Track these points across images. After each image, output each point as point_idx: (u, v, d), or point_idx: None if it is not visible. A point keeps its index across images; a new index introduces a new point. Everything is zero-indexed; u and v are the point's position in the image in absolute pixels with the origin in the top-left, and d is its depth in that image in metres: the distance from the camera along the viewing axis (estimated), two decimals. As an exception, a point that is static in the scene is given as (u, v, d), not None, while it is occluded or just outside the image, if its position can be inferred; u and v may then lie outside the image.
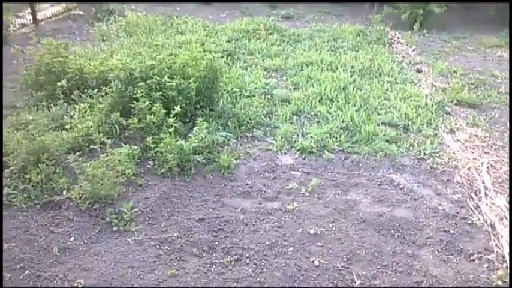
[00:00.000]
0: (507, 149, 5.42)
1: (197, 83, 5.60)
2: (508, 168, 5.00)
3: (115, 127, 5.38)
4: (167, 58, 5.97)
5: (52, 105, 5.84)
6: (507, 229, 4.00)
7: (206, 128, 5.32)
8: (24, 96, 6.36)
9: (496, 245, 3.84)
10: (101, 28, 9.48)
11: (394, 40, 10.11)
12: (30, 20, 10.03)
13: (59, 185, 4.32)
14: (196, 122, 5.14)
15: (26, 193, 4.30)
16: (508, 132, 5.83)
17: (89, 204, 4.16)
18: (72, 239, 3.83)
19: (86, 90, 5.83)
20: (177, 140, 4.79)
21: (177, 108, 5.14)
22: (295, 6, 13.21)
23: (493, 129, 5.95)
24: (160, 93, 5.40)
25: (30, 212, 4.14)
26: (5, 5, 8.72)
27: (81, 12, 11.26)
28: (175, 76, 5.58)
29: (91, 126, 5.04)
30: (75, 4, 11.22)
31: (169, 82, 5.44)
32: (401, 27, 11.08)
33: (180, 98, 5.47)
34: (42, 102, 6.01)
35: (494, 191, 4.56)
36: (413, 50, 9.36)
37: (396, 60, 8.51)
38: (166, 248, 3.77)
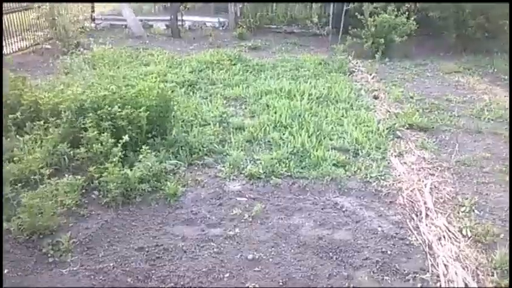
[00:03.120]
0: (452, 170, 5.54)
1: (148, 112, 5.64)
2: (451, 188, 5.09)
3: (64, 158, 5.37)
4: (121, 88, 6.02)
5: (4, 137, 5.81)
6: (444, 248, 4.05)
7: (156, 156, 5.37)
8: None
9: (432, 264, 3.87)
10: (65, 61, 9.55)
11: (355, 69, 10.37)
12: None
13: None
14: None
15: (-37, 227, 4.22)
16: (454, 154, 5.95)
17: (27, 235, 4.11)
18: (6, 271, 3.76)
19: (39, 122, 5.82)
20: (121, 170, 4.79)
21: (125, 137, 5.18)
22: (264, 37, 13.52)
23: (441, 151, 6.08)
24: (110, 123, 5.42)
25: (-34, 245, 4.05)
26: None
27: (48, 46, 11.36)
28: (127, 106, 5.62)
29: (38, 158, 5.05)
30: (42, 39, 11.27)
31: (119, 112, 5.47)
32: (364, 56, 11.40)
33: (130, 127, 5.49)
34: (-5, 134, 5.99)
35: (435, 211, 4.62)
36: (373, 78, 9.60)
37: (355, 88, 8.72)
38: (100, 278, 3.72)
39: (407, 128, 6.79)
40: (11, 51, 10.59)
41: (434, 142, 6.32)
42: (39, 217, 4.15)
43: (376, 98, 8.30)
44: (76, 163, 5.32)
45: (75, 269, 3.80)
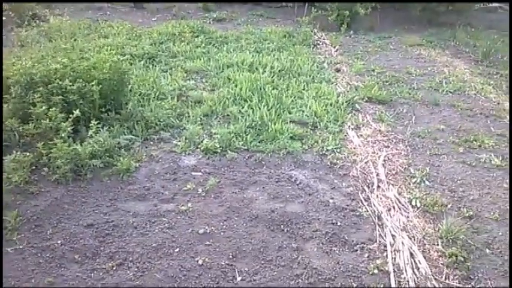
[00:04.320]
0: (407, 142, 5.62)
1: (101, 86, 5.47)
2: (404, 160, 5.17)
3: (14, 134, 5.18)
4: (74, 62, 5.81)
5: None
6: (393, 219, 4.13)
7: (109, 131, 5.25)
8: None
9: (380, 235, 3.94)
10: (19, 34, 9.14)
11: (320, 41, 10.31)
12: None
13: None
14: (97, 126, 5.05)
15: None
16: (410, 126, 6.03)
17: (-30, 214, 3.98)
18: None
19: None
20: (71, 145, 4.66)
21: (76, 112, 5.03)
22: (230, 8, 13.26)
23: (398, 123, 6.15)
24: (61, 97, 5.24)
25: None
26: None
27: (3, 18, 10.83)
28: (79, 80, 5.44)
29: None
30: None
31: (70, 86, 5.29)
32: (330, 28, 11.34)
33: (81, 101, 5.33)
34: None
35: (387, 183, 4.70)
36: (336, 51, 9.58)
37: (317, 61, 8.68)
38: (47, 255, 3.64)
39: (366, 101, 6.83)
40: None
41: (391, 115, 6.39)
42: (-16, 195, 4.02)
43: (338, 71, 8.30)
44: (26, 139, 5.13)
45: (21, 247, 3.71)
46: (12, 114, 5.35)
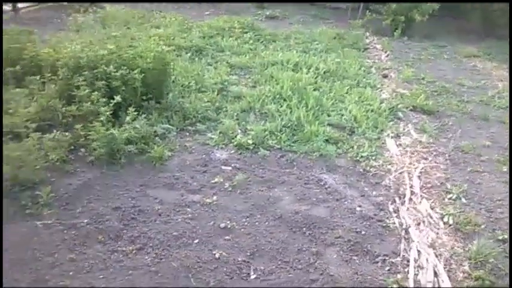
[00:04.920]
0: (448, 155, 5.38)
1: (144, 75, 5.59)
2: (442, 174, 4.96)
3: (57, 114, 5.40)
4: (121, 49, 5.96)
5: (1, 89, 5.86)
6: (421, 234, 3.96)
7: (147, 119, 5.37)
8: (-21, 80, 6.39)
9: (405, 249, 3.79)
10: (77, 19, 9.52)
11: (371, 45, 10.11)
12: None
13: (-17, 167, 4.33)
14: (140, 113, 5.18)
15: (-50, 173, 4.32)
16: (454, 139, 5.77)
17: (9, 187, 4.17)
18: (-17, 218, 3.84)
19: (35, 76, 5.83)
20: (108, 129, 4.79)
21: (117, 98, 5.16)
22: (284, 7, 13.23)
23: (441, 135, 5.91)
24: (104, 82, 5.40)
25: (-50, 191, 4.15)
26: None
27: (64, 3, 11.34)
28: (123, 67, 5.58)
29: (30, 112, 5.08)
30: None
31: (114, 72, 5.44)
32: (383, 33, 11.09)
33: (124, 88, 5.46)
34: (-5, 86, 6.06)
35: (421, 196, 4.52)
36: (387, 56, 9.34)
37: (365, 65, 8.50)
38: (72, 233, 3.76)
39: (410, 110, 6.61)
40: (27, 5, 10.59)
41: (435, 126, 6.14)
42: (22, 170, 4.21)
43: (385, 76, 8.09)
44: (68, 120, 5.32)
45: (49, 222, 3.86)
46: (59, 95, 5.58)
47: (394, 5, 10.85)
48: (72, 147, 4.93)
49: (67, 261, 3.47)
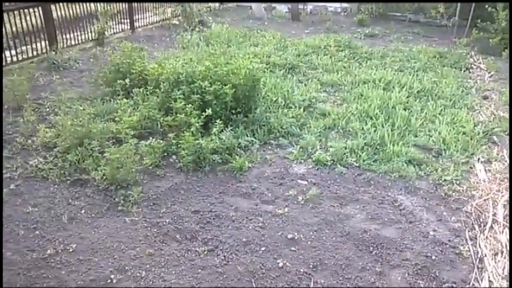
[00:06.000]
0: (544, 185, 4.97)
1: (234, 90, 5.98)
2: (533, 205, 4.61)
3: (156, 123, 5.98)
4: (216, 66, 6.41)
5: (112, 99, 6.66)
6: (497, 265, 3.75)
7: (233, 131, 5.73)
8: (97, 90, 7.31)
9: (476, 278, 3.63)
10: (184, 37, 10.38)
11: (475, 65, 9.57)
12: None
13: (89, 166, 4.98)
14: (227, 125, 5.57)
15: (63, 170, 5.03)
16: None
17: (106, 185, 4.75)
18: (82, 212, 4.43)
19: (139, 89, 6.51)
20: (197, 139, 5.21)
21: (208, 111, 5.59)
22: (386, 24, 13.08)
23: (540, 164, 5.46)
24: (199, 96, 5.87)
25: (61, 186, 4.84)
26: (104, 10, 10.05)
27: (176, 22, 12.39)
28: (217, 82, 6.03)
29: (133, 121, 5.72)
30: (170, 15, 12.33)
31: (208, 87, 5.90)
32: (490, 52, 10.45)
33: (215, 102, 5.89)
34: (108, 96, 6.89)
35: (503, 225, 4.25)
36: (491, 77, 8.80)
37: (465, 85, 8.12)
38: (155, 230, 4.19)
39: (507, 134, 6.19)
40: (142, 25, 11.75)
41: (534, 153, 5.69)
42: (120, 171, 4.76)
43: (485, 98, 7.64)
44: (166, 129, 5.87)
45: (136, 219, 4.33)
46: (159, 106, 6.18)
47: (503, 23, 10.18)
48: (165, 154, 5.43)
49: (146, 255, 3.88)
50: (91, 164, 4.96)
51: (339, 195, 4.76)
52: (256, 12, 13.95)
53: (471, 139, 5.90)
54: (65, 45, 9.47)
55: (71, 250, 3.90)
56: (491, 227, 4.23)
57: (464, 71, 9.13)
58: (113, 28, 10.77)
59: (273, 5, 15.08)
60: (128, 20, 11.27)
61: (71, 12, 9.71)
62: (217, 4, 14.84)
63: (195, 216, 4.40)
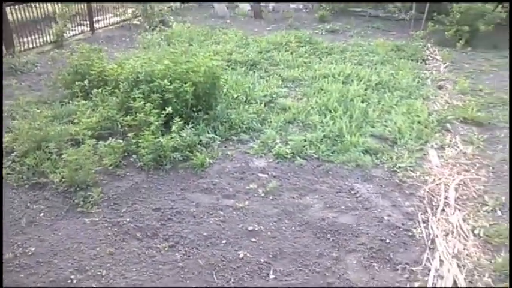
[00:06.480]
0: (492, 168, 5.22)
1: (194, 88, 6.01)
2: (481, 186, 4.83)
3: (116, 123, 5.96)
4: (176, 64, 6.42)
5: (71, 101, 6.59)
6: (448, 244, 3.93)
7: (194, 128, 5.76)
8: (56, 93, 7.21)
9: (428, 258, 3.79)
10: (145, 37, 10.32)
11: (431, 57, 9.88)
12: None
13: (48, 169, 4.93)
14: (188, 123, 5.60)
15: (21, 174, 4.96)
16: (502, 151, 5.57)
17: (65, 187, 4.72)
18: (41, 215, 4.39)
19: (98, 90, 6.46)
20: (157, 137, 5.23)
21: (168, 109, 5.60)
22: (346, 20, 13.32)
23: (489, 148, 5.72)
24: (159, 95, 5.88)
25: (19, 190, 4.78)
26: (62, 12, 9.89)
27: (137, 22, 12.29)
28: (177, 81, 6.04)
29: (92, 122, 5.69)
30: (131, 15, 12.23)
31: (168, 85, 5.91)
32: (446, 44, 10.80)
33: (176, 100, 5.91)
34: (66, 98, 6.82)
35: (454, 207, 4.45)
36: (446, 67, 9.10)
37: (421, 76, 8.39)
38: (115, 230, 4.19)
39: (460, 121, 6.45)
40: (103, 26, 11.62)
41: (484, 138, 5.95)
42: (78, 172, 4.74)
43: (440, 88, 7.92)
44: (125, 129, 5.85)
45: (96, 219, 4.32)
46: (119, 106, 6.16)
47: (458, 15, 10.54)
48: (126, 153, 5.42)
49: (106, 254, 3.88)
50: (49, 166, 4.92)
51: (298, 187, 4.87)
52: (219, 11, 13.98)
53: (425, 127, 6.12)
54: (22, 49, 9.30)
55: (29, 253, 3.88)
56: (443, 210, 4.42)
57: (420, 62, 9.41)
58: (72, 30, 10.62)
59: (237, 3, 15.12)
60: (88, 22, 11.11)
61: (27, 14, 9.53)
62: (178, 3, 14.79)
63: (156, 214, 4.43)
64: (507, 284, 3.44)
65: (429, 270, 3.67)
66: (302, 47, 10.02)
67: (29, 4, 9.47)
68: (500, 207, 4.45)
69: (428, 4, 11.85)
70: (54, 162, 4.97)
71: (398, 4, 12.59)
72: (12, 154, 5.30)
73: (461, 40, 10.60)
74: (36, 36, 9.71)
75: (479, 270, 3.65)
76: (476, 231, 4.10)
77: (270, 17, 13.91)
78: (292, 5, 14.94)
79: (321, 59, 9.32)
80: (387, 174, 5.10)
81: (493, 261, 3.72)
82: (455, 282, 3.51)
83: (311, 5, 15.01)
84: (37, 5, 9.73)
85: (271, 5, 14.97)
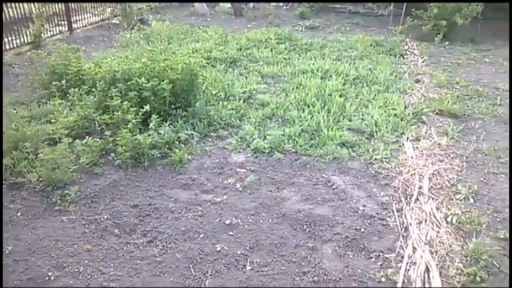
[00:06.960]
0: (466, 157, 5.34)
1: (172, 85, 6.02)
2: (455, 176, 4.94)
3: (94, 122, 5.94)
4: (154, 62, 6.42)
5: (48, 101, 6.54)
6: (420, 232, 4.01)
7: (173, 125, 5.78)
8: (34, 94, 7.15)
9: (401, 245, 3.87)
10: (124, 36, 10.27)
11: (409, 51, 10.02)
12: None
13: (25, 169, 4.91)
14: (167, 120, 5.60)
15: (-2, 175, 4.93)
16: (476, 142, 5.70)
17: (43, 186, 4.70)
18: (19, 214, 4.37)
19: (76, 89, 6.43)
20: (134, 135, 5.23)
21: (146, 107, 5.61)
22: (326, 16, 13.42)
23: (464, 139, 5.84)
24: (136, 93, 5.87)
25: (-4, 190, 4.75)
26: (39, 12, 9.80)
27: (116, 22, 12.23)
28: (154, 78, 6.04)
29: (69, 121, 5.67)
30: (110, 15, 12.16)
31: (145, 83, 5.91)
32: (424, 39, 10.97)
33: (154, 98, 5.92)
34: (44, 98, 6.77)
35: (428, 196, 4.54)
36: (424, 61, 9.25)
37: (399, 71, 8.51)
38: (93, 227, 4.19)
39: (436, 114, 6.57)
40: (81, 26, 11.54)
41: (459, 129, 6.07)
42: (56, 171, 4.72)
43: (417, 81, 8.05)
44: (103, 128, 5.84)
45: (74, 217, 4.32)
46: (96, 105, 6.14)
47: (435, 10, 10.71)
48: (104, 152, 5.41)
49: (84, 251, 3.88)
50: (26, 166, 4.89)
51: (276, 180, 4.92)
52: (199, 9, 13.97)
53: (401, 120, 6.22)
54: (-1, 50, 9.17)
55: (7, 252, 3.86)
56: (417, 199, 4.51)
57: (398, 57, 9.55)
58: (50, 30, 10.52)
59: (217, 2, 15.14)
60: (66, 22, 11.02)
61: (4, 15, 9.41)
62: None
63: (134, 210, 4.44)
64: (476, 269, 3.52)
65: (402, 257, 3.75)
66: (282, 43, 10.08)
67: (5, 4, 9.35)
68: (472, 195, 4.56)
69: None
70: (31, 162, 4.94)
71: None
72: (-11, 155, 5.25)
73: (439, 34, 10.77)
74: (14, 37, 9.60)
75: (451, 256, 3.74)
76: (448, 219, 4.19)
77: (251, 15, 13.95)
78: (273, 3, 14.99)
79: (300, 55, 9.39)
80: (363, 166, 5.18)
81: (464, 247, 3.82)
82: (427, 268, 3.58)
83: (291, 2, 15.07)
84: (13, 5, 9.62)
85: (252, 2, 15.00)
